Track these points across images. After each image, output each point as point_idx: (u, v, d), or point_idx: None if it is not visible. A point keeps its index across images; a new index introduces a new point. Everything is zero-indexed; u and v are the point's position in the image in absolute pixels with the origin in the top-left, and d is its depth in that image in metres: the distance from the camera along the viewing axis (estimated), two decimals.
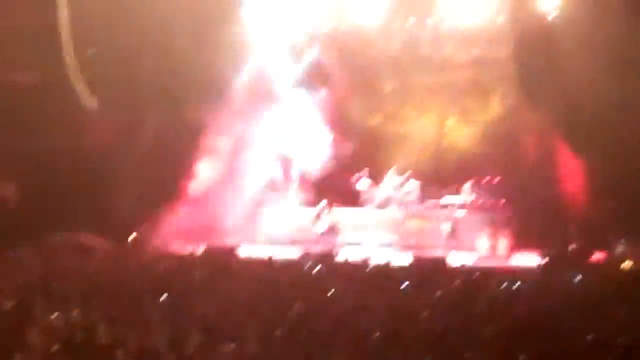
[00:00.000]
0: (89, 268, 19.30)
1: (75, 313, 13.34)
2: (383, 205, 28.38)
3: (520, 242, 25.86)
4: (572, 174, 26.55)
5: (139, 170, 28.59)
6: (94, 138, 27.90)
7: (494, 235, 26.08)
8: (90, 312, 13.56)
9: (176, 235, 26.81)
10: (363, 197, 28.79)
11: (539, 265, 22.61)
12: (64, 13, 26.82)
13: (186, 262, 20.95)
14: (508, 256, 25.32)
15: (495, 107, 30.31)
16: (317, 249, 25.54)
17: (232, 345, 11.90)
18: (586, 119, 26.24)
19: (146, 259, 21.53)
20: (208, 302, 15.16)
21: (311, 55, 29.85)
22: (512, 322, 13.51)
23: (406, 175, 28.64)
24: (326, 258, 22.34)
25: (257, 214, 28.42)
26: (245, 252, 23.98)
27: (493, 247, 25.87)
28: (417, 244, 26.65)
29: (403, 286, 17.44)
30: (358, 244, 26.79)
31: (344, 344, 12.21)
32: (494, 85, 30.15)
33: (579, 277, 19.29)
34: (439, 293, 16.41)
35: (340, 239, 26.97)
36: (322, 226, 27.19)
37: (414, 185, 28.49)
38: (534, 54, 26.23)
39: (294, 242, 26.94)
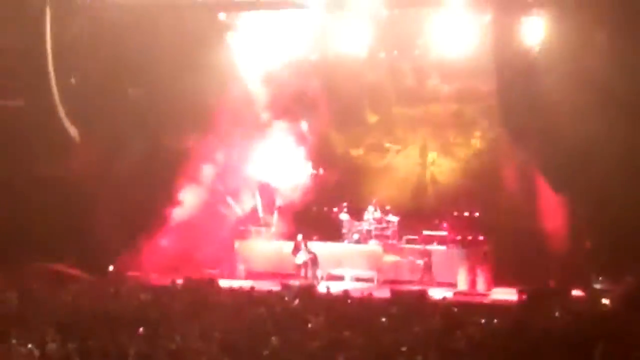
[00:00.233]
0: (65, 298, 19.15)
1: (51, 344, 13.25)
2: (362, 239, 28.33)
3: (500, 278, 25.83)
4: (551, 210, 26.58)
5: (118, 200, 28.53)
6: (74, 167, 27.80)
7: (473, 271, 26.03)
8: (66, 343, 13.47)
9: (155, 266, 26.71)
10: (343, 230, 28.73)
11: (518, 301, 22.59)
12: (48, 41, 26.81)
13: (165, 294, 20.85)
14: (487, 291, 25.28)
15: (477, 141, 30.39)
16: (297, 281, 25.49)
17: None
18: (567, 155, 26.33)
19: (125, 289, 21.39)
20: (186, 333, 15.09)
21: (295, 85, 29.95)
22: (491, 357, 13.48)
23: (386, 209, 28.60)
24: (305, 291, 22.29)
25: (237, 246, 28.33)
26: (224, 283, 23.87)
27: (472, 282, 25.81)
28: (396, 279, 26.59)
29: (382, 320, 17.41)
30: (337, 277, 26.71)
31: None
32: (477, 119, 30.24)
33: (558, 313, 19.32)
34: (417, 328, 16.38)
35: (319, 272, 26.86)
36: (301, 259, 27.09)
37: (393, 219, 28.46)
38: (516, 89, 26.27)
39: (273, 275, 26.89)
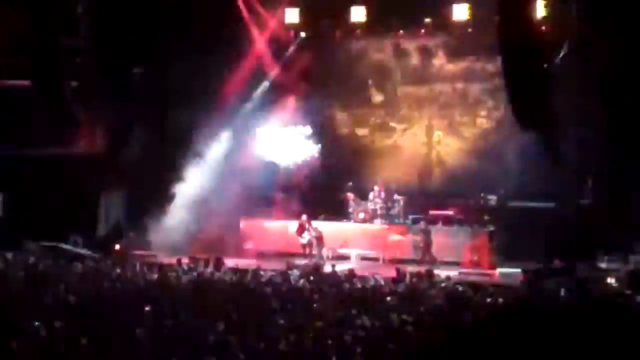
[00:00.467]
0: (73, 277, 19.23)
1: (58, 323, 13.31)
2: (368, 218, 28.36)
3: (505, 257, 25.86)
4: (557, 188, 26.62)
5: (125, 179, 28.65)
6: (81, 146, 27.89)
7: (478, 250, 26.07)
8: (72, 322, 13.54)
9: (162, 246, 26.80)
10: (348, 209, 28.77)
11: (523, 280, 22.62)
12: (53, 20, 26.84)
13: (171, 273, 20.92)
14: (492, 271, 25.30)
15: (483, 120, 30.40)
16: (303, 261, 25.56)
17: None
18: (572, 133, 26.37)
19: (130, 268, 21.47)
20: (192, 312, 15.15)
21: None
22: (496, 336, 13.53)
23: (391, 188, 28.62)
24: (311, 270, 22.35)
25: (242, 225, 28.39)
26: (231, 263, 23.93)
27: (477, 262, 25.84)
28: (401, 258, 26.62)
29: (388, 299, 17.46)
30: (343, 257, 26.76)
31: (329, 358, 12.22)
32: (483, 98, 30.27)
33: (563, 292, 19.36)
34: (422, 307, 16.44)
35: (325, 251, 26.92)
36: (306, 238, 27.14)
37: (399, 198, 28.48)
38: (523, 67, 26.22)
39: (279, 254, 26.96)
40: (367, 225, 28.16)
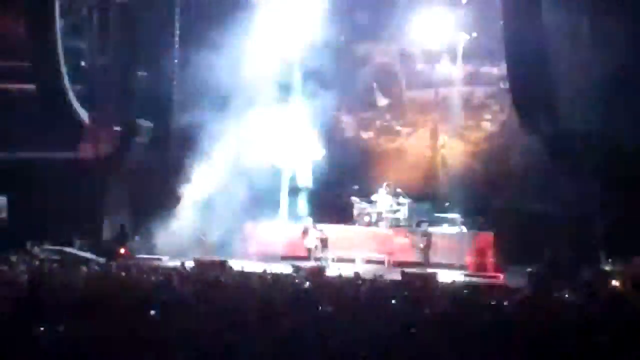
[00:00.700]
0: (78, 281, 19.21)
1: (62, 327, 13.28)
2: (374, 221, 28.35)
3: (510, 260, 25.84)
4: (561, 191, 26.64)
5: (130, 183, 28.66)
6: (85, 150, 27.90)
7: (483, 253, 26.07)
8: (77, 325, 13.50)
9: (167, 249, 26.79)
10: (353, 213, 28.75)
11: (528, 283, 22.60)
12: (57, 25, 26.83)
13: (176, 276, 20.88)
14: (497, 273, 25.29)
15: (487, 123, 30.41)
16: (308, 264, 25.55)
17: None
18: (579, 134, 26.37)
19: (135, 272, 21.45)
20: (198, 316, 15.12)
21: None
22: (501, 339, 13.49)
23: (397, 192, 28.61)
24: (316, 273, 22.33)
25: (247, 228, 28.36)
26: (236, 266, 23.92)
27: (482, 265, 25.84)
28: (406, 261, 26.62)
29: (393, 302, 17.43)
30: (348, 260, 26.73)
31: None
32: (487, 102, 30.26)
33: (567, 294, 19.34)
34: (427, 310, 16.40)
35: (330, 254, 26.90)
36: (311, 241, 27.14)
37: (404, 202, 28.47)
38: (529, 71, 26.24)
39: (284, 257, 26.93)
40: (372, 229, 28.16)
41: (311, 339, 13.24)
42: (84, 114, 27.59)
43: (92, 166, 27.75)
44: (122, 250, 26.80)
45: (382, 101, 31.54)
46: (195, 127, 28.12)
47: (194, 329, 13.84)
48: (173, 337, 13.18)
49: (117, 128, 28.83)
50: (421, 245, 26.69)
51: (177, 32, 29.05)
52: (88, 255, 25.77)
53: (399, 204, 28.47)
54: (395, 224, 28.09)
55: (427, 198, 29.22)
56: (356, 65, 31.37)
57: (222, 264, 23.61)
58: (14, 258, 23.25)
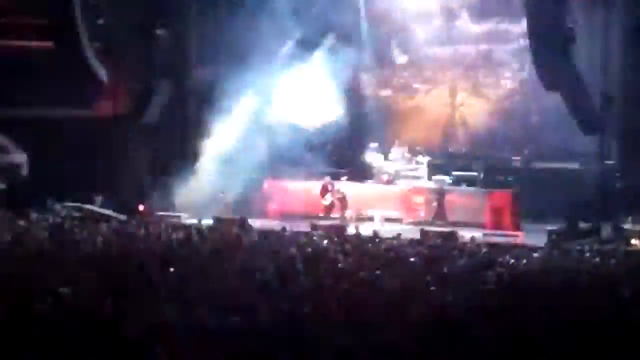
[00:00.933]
0: (98, 238, 19.29)
1: (83, 283, 13.35)
2: (392, 179, 28.33)
3: (529, 218, 25.84)
4: (580, 150, 26.61)
5: (149, 139, 28.71)
6: (105, 107, 27.96)
7: (502, 211, 26.06)
8: (98, 283, 13.57)
9: (186, 206, 26.85)
10: (371, 171, 28.73)
11: (547, 241, 22.60)
12: None
13: (196, 233, 20.96)
14: (516, 232, 25.28)
15: (507, 82, 30.28)
16: (326, 222, 25.59)
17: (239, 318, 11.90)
18: (598, 95, 26.32)
19: (155, 229, 21.53)
20: (217, 274, 15.18)
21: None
22: (521, 298, 13.50)
23: (415, 150, 28.56)
24: (334, 231, 22.37)
25: (266, 185, 28.36)
26: (255, 224, 23.99)
27: (501, 223, 25.82)
28: (425, 219, 26.65)
29: (412, 260, 17.46)
30: (367, 218, 26.76)
31: (353, 319, 12.22)
32: (507, 60, 30.11)
33: (588, 254, 19.35)
34: (446, 269, 16.42)
35: (348, 212, 26.93)
36: (329, 199, 27.16)
37: (422, 160, 28.42)
38: (549, 29, 26.08)
39: (303, 215, 26.95)
40: (390, 187, 28.14)
41: (330, 298, 13.27)
42: (102, 72, 27.55)
43: (111, 124, 27.79)
44: (142, 208, 26.86)
45: (401, 58, 31.36)
46: (214, 83, 28.10)
47: (213, 287, 13.90)
48: (192, 294, 13.23)
49: (136, 86, 28.84)
50: (434, 203, 26.71)
51: None
52: (108, 212, 25.87)
53: (417, 162, 28.42)
54: (414, 182, 28.04)
55: (445, 156, 29.15)
56: (375, 22, 31.16)
57: (242, 222, 23.64)
58: (34, 215, 23.39)
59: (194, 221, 24.12)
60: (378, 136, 29.85)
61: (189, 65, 29.89)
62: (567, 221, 24.13)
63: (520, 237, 24.42)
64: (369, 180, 28.62)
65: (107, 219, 24.20)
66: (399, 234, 21.50)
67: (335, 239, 20.37)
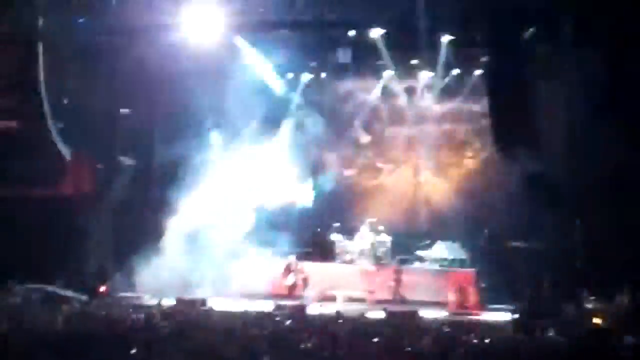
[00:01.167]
0: (58, 320, 19.10)
1: None
2: (355, 259, 28.29)
3: (492, 297, 25.86)
4: (541, 229, 26.73)
5: (112, 219, 28.59)
6: (68, 186, 27.86)
7: (465, 290, 26.06)
8: None
9: (148, 287, 26.64)
10: (335, 250, 28.69)
11: (510, 321, 22.59)
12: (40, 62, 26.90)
13: (157, 315, 20.80)
14: (479, 311, 25.29)
15: (469, 161, 30.52)
16: (289, 302, 25.46)
17: None
18: (557, 173, 26.49)
19: (116, 311, 21.35)
20: (179, 355, 15.06)
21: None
22: None
23: (378, 229, 28.59)
24: (297, 311, 22.27)
25: (230, 266, 28.23)
26: (217, 304, 23.84)
27: (464, 302, 25.82)
28: (389, 298, 26.60)
29: (375, 340, 17.38)
30: (330, 297, 26.66)
31: None
32: (469, 139, 30.40)
33: (551, 333, 19.34)
34: (409, 348, 16.37)
35: (311, 292, 26.84)
36: (292, 279, 27.10)
37: (386, 239, 28.44)
38: (510, 109, 26.40)
39: (266, 295, 26.81)
40: (353, 266, 28.09)
41: None
42: (66, 151, 27.54)
43: (74, 204, 27.68)
44: (103, 289, 26.65)
45: (364, 138, 31.57)
46: (179, 161, 28.17)
47: None
48: None
49: (99, 165, 28.82)
50: (391, 282, 26.78)
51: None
52: (69, 293, 25.62)
53: (380, 241, 28.43)
54: (377, 262, 28.02)
55: (409, 235, 29.21)
56: (339, 102, 31.43)
57: (203, 303, 23.50)
58: None
59: (155, 302, 23.91)
60: (342, 215, 29.85)
61: (154, 143, 29.91)
62: (529, 300, 24.16)
63: (483, 316, 24.42)
64: (332, 260, 28.54)
65: (68, 300, 23.97)
66: (362, 314, 21.43)
67: (299, 319, 20.28)
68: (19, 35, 27.29)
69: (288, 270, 27.25)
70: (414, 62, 29.70)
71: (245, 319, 20.53)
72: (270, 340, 16.77)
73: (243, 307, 22.54)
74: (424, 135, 30.99)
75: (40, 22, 27.23)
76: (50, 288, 25.90)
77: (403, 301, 26.11)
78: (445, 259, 27.74)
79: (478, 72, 29.06)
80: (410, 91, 30.77)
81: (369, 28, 28.31)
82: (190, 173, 27.97)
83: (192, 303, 23.37)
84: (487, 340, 17.78)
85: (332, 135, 31.39)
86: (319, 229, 29.53)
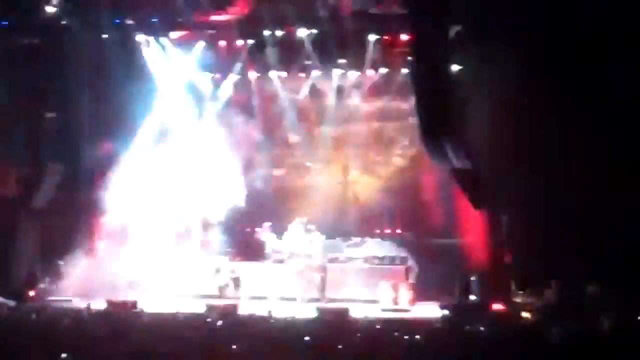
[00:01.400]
0: None
1: None
2: (286, 258, 28.33)
3: (422, 294, 26.07)
4: (471, 225, 26.94)
5: (39, 223, 28.29)
6: None
7: (395, 287, 26.24)
8: None
9: (77, 290, 26.43)
10: (266, 250, 28.70)
11: (440, 317, 22.80)
12: None
13: (88, 318, 20.66)
14: (409, 308, 25.50)
15: (398, 158, 30.72)
16: (220, 302, 25.43)
17: None
18: (487, 171, 26.74)
19: (46, 315, 21.16)
20: (110, 357, 14.98)
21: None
22: None
23: (308, 228, 28.65)
24: (229, 312, 22.26)
25: (160, 267, 28.12)
26: (148, 306, 23.73)
27: (395, 299, 26.00)
28: (320, 297, 26.71)
29: (306, 339, 17.43)
30: (260, 297, 26.67)
31: None
32: (397, 137, 30.60)
33: (480, 328, 19.53)
34: (341, 346, 16.43)
35: (243, 292, 26.84)
36: (223, 279, 27.08)
37: (317, 238, 28.51)
38: (436, 107, 26.59)
39: (196, 296, 26.76)
40: (284, 266, 28.12)
41: None
42: None
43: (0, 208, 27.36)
44: (32, 293, 26.41)
45: (293, 138, 31.63)
46: (108, 161, 28.00)
47: None
48: None
49: (25, 169, 28.49)
50: (318, 280, 26.90)
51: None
52: None
53: (311, 240, 28.50)
54: (307, 261, 28.08)
55: (339, 234, 29.31)
56: (267, 102, 31.44)
57: (134, 305, 23.38)
58: None
59: (85, 305, 23.73)
60: (272, 215, 29.85)
61: (81, 145, 29.61)
62: (458, 296, 24.44)
63: (414, 313, 24.63)
64: (263, 260, 28.54)
65: None
66: (294, 314, 21.48)
67: (230, 320, 20.28)
68: None
69: (219, 270, 27.21)
70: (341, 61, 29.73)
71: (176, 320, 20.48)
72: (201, 341, 16.74)
73: (174, 309, 22.42)
74: (352, 134, 31.11)
75: None
76: None
77: (331, 300, 26.22)
78: (376, 257, 27.95)
79: (405, 70, 29.17)
80: (338, 90, 30.84)
81: (296, 27, 28.33)
82: (119, 173, 27.83)
83: (123, 305, 23.22)
84: (417, 337, 17.92)
85: (260, 135, 31.39)
86: (249, 229, 29.54)
